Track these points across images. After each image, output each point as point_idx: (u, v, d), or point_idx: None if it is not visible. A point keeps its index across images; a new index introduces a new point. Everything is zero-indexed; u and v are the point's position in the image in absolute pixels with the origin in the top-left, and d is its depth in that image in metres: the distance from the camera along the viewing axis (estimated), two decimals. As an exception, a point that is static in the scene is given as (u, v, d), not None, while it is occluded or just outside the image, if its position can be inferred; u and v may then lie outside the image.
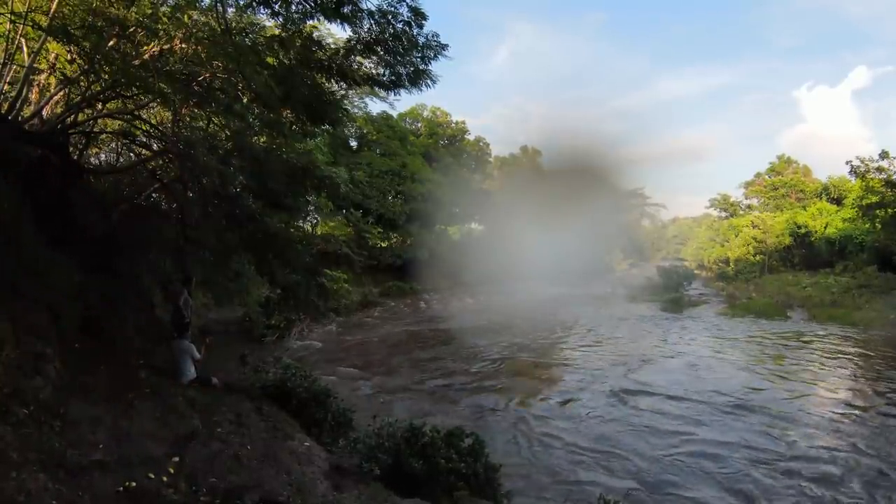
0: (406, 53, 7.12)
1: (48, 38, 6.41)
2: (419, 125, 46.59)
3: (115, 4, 6.06)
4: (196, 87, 6.78)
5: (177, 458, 4.55)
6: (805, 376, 16.26)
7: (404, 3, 6.55)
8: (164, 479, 4.17)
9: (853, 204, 33.36)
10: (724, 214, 55.01)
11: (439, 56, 7.27)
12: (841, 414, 12.64)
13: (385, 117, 39.99)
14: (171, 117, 8.16)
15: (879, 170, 28.23)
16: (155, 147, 8.50)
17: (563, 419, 12.47)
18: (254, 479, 4.80)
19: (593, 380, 15.82)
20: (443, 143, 47.84)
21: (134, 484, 3.91)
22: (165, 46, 6.16)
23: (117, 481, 3.86)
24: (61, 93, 7.17)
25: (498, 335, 22.65)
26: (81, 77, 6.78)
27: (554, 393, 14.71)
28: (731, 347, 20.58)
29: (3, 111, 6.50)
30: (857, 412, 12.84)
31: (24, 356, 4.29)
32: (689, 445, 10.78)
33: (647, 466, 9.84)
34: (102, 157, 10.38)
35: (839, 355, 18.88)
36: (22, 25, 6.15)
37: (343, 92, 11.26)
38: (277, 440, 6.07)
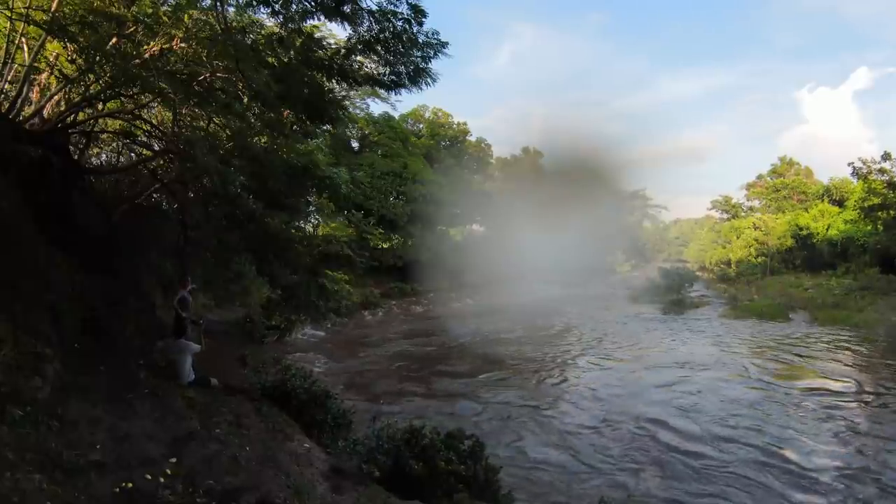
0: (406, 51, 7.10)
1: (48, 37, 6.40)
2: (421, 126, 46.55)
3: (115, 4, 6.05)
4: (196, 87, 6.77)
5: (174, 459, 4.52)
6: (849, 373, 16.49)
7: (404, 1, 6.54)
8: (162, 480, 4.15)
9: (855, 205, 33.24)
10: (725, 216, 54.85)
11: (439, 54, 7.25)
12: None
13: (386, 119, 40.02)
14: (171, 117, 8.16)
15: (881, 171, 28.17)
16: (155, 147, 8.51)
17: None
18: (252, 481, 4.77)
19: (638, 384, 15.43)
20: (444, 144, 47.78)
21: (131, 485, 3.89)
22: (166, 46, 6.16)
23: (114, 482, 3.84)
24: (61, 92, 7.16)
25: (506, 338, 22.45)
26: (82, 76, 6.78)
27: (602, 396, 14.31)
28: (749, 350, 20.45)
29: (3, 110, 6.50)
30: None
31: (24, 356, 4.27)
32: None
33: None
34: (103, 157, 10.38)
35: (857, 356, 19.15)
36: (23, 25, 6.15)
37: (344, 93, 11.23)
38: (276, 441, 6.05)
